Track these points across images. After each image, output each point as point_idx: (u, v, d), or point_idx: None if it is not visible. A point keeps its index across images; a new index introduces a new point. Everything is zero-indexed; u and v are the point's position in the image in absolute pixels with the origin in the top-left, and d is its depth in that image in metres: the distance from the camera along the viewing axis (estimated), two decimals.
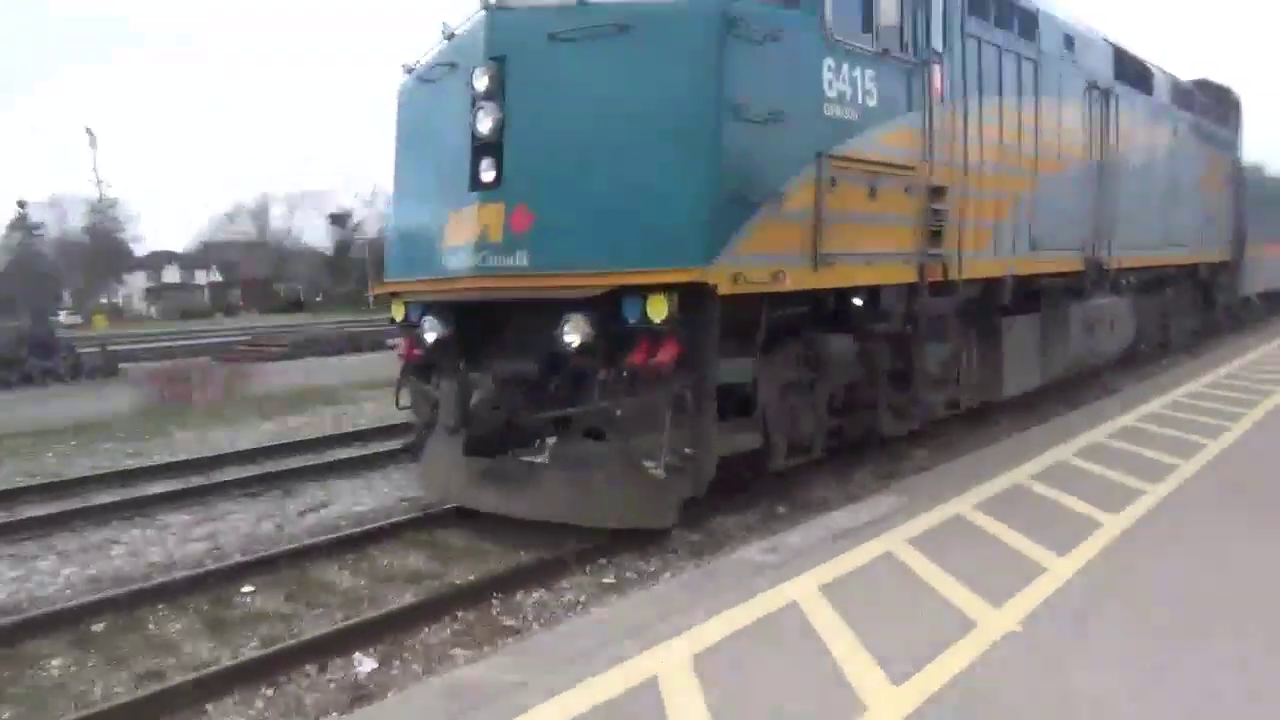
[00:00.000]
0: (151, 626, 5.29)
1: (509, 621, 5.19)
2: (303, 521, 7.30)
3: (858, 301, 6.98)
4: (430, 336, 6.54)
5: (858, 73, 6.57)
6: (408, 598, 5.47)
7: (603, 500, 5.85)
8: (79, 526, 7.29)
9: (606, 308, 5.66)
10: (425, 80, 6.82)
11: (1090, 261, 10.51)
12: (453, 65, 6.42)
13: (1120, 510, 5.73)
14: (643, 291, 5.52)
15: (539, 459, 6.26)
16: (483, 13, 6.09)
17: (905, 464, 8.25)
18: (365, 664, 4.57)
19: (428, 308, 6.65)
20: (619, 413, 5.71)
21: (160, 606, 5.47)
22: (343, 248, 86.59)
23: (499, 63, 5.91)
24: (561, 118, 5.87)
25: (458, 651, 4.80)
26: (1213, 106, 15.95)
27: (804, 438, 6.83)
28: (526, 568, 5.81)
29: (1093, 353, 11.11)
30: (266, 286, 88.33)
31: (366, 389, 15.61)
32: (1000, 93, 8.56)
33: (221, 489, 8.35)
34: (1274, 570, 4.74)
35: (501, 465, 6.30)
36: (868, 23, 6.59)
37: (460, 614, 5.20)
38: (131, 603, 5.44)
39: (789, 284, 5.95)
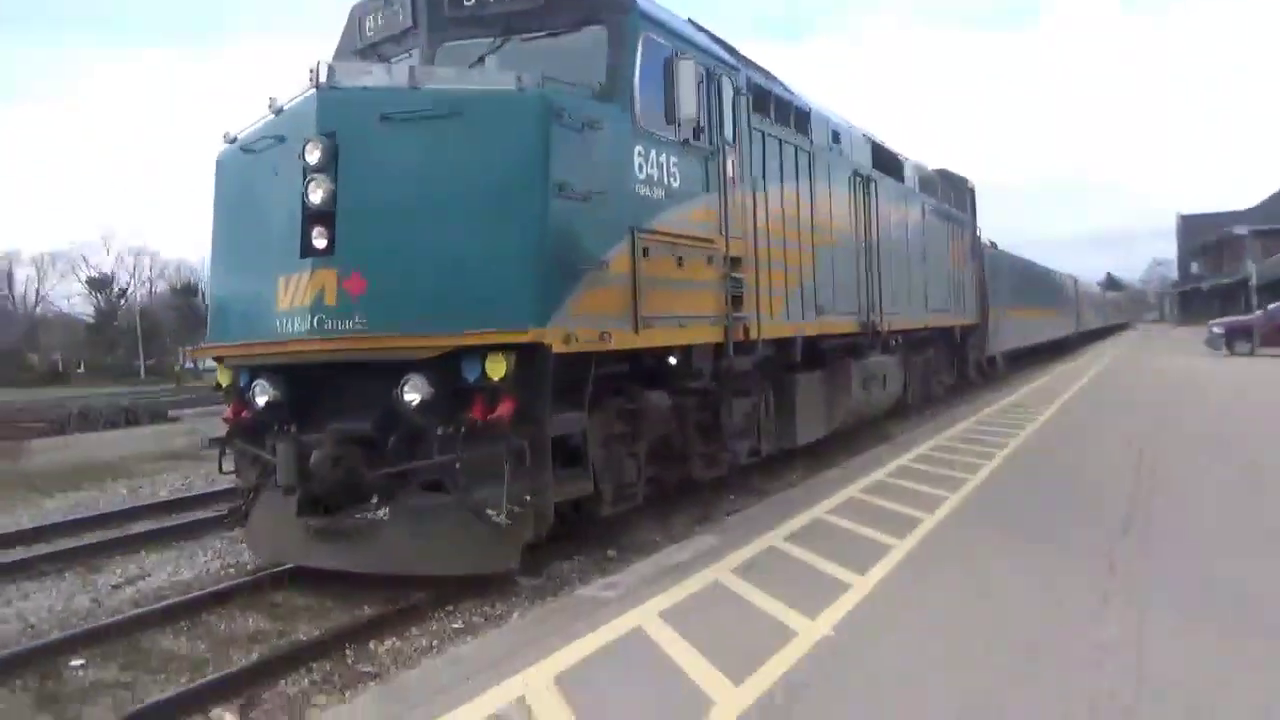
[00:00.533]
0: None
1: (366, 668, 5.31)
2: (120, 594, 7.01)
3: (672, 360, 7.70)
4: (261, 399, 6.60)
5: (663, 158, 7.39)
6: (254, 656, 5.47)
7: (446, 548, 6.12)
8: None
9: (444, 367, 6.02)
10: (249, 150, 6.97)
11: (865, 325, 11.91)
12: (280, 138, 6.64)
13: (905, 535, 6.65)
14: (481, 352, 5.93)
15: (377, 514, 6.42)
16: (313, 90, 6.38)
17: (716, 507, 9.00)
18: (225, 718, 4.59)
19: (255, 371, 6.73)
20: (458, 466, 6.04)
21: None
22: (106, 315, 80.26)
23: (330, 137, 6.21)
24: (394, 191, 6.23)
25: (321, 699, 4.90)
26: (952, 192, 18.41)
27: (627, 485, 7.39)
28: (373, 619, 5.95)
29: (869, 404, 12.50)
30: (17, 357, 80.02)
31: (159, 460, 14.83)
32: (782, 178, 9.73)
33: (12, 570, 7.78)
34: (1004, 561, 5.83)
35: (338, 523, 6.42)
36: (670, 115, 7.42)
37: (315, 664, 5.29)
38: None
39: (614, 343, 6.57)
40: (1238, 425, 12.82)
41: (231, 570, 7.53)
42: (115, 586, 7.24)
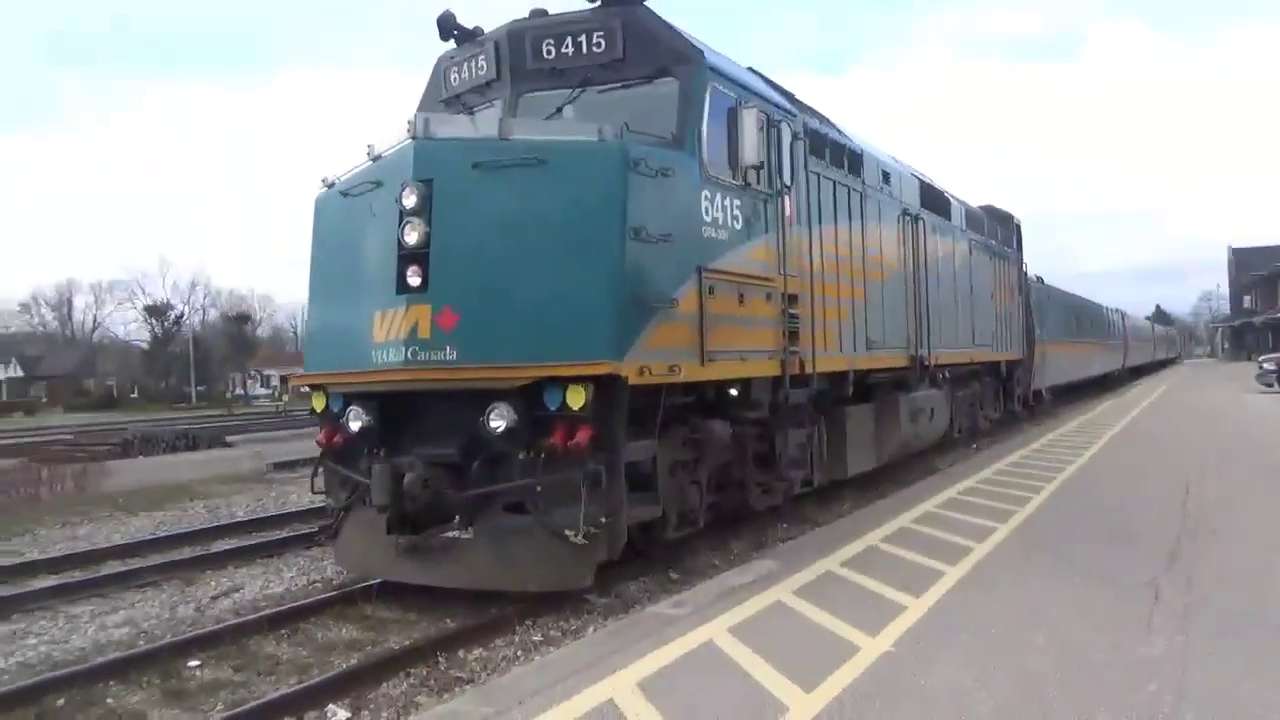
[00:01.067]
0: (110, 701, 5.50)
1: (458, 674, 5.73)
2: (220, 604, 7.56)
3: (734, 392, 8.11)
4: (355, 425, 7.13)
5: (727, 201, 7.86)
6: (354, 660, 5.95)
7: (526, 566, 6.57)
8: None
9: (526, 397, 6.50)
10: (347, 194, 7.56)
11: (913, 359, 12.23)
12: (377, 183, 7.21)
13: (956, 563, 6.99)
14: (562, 382, 6.41)
15: (461, 534, 6.89)
16: (410, 140, 6.95)
17: (771, 534, 9.37)
18: (339, 714, 5.06)
19: (349, 399, 7.27)
20: (539, 489, 6.50)
21: (112, 683, 5.68)
22: (163, 342, 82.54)
23: (426, 183, 6.76)
24: (483, 233, 6.75)
25: (421, 699, 5.33)
26: (998, 228, 18.69)
27: (690, 510, 7.80)
28: (459, 631, 6.39)
29: (917, 437, 12.77)
30: (74, 382, 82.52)
31: (229, 483, 15.50)
32: (835, 218, 10.16)
33: (115, 580, 8.38)
34: (1053, 588, 6.17)
35: (425, 541, 6.89)
36: (733, 161, 7.89)
37: (412, 670, 5.72)
38: (83, 680, 5.62)
39: (683, 376, 7.01)
40: None
41: (318, 584, 8.04)
42: (214, 597, 7.79)
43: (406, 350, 6.63)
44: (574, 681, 4.69)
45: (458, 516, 6.90)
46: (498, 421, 6.50)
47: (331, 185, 7.82)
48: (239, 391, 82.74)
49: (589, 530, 6.36)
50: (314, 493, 7.91)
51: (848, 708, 4.34)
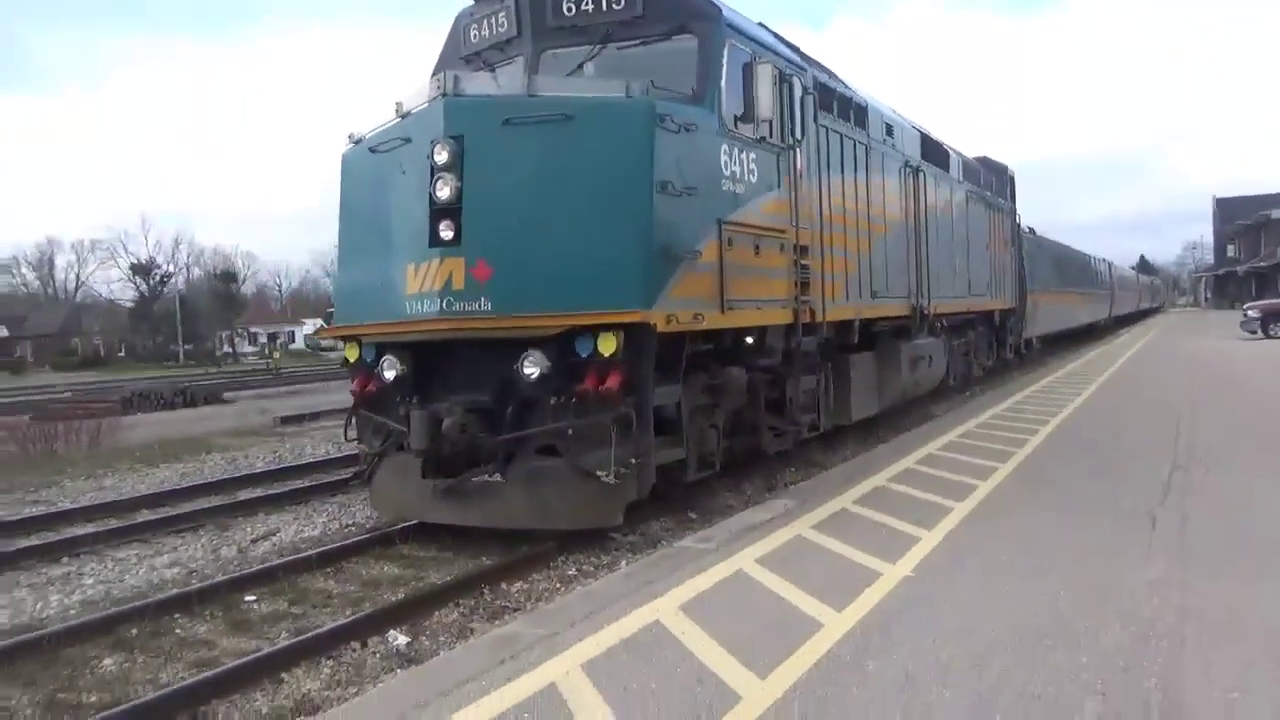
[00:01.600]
0: (179, 631, 5.86)
1: (505, 604, 6.11)
2: (261, 547, 7.91)
3: (750, 340, 8.44)
4: (389, 374, 7.43)
5: (744, 155, 8.12)
6: (401, 594, 6.32)
7: (559, 506, 6.92)
8: (30, 565, 7.56)
9: (559, 344, 6.81)
10: (376, 150, 7.76)
11: (914, 308, 12.58)
12: (407, 139, 7.41)
13: (963, 499, 7.38)
14: (593, 330, 6.71)
15: (494, 477, 7.23)
16: (440, 97, 7.14)
17: (781, 476, 9.77)
18: (400, 639, 5.43)
19: (381, 349, 7.55)
20: (571, 432, 6.84)
21: (177, 615, 6.04)
22: (149, 300, 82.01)
23: (457, 140, 6.97)
24: (514, 187, 6.99)
25: (475, 624, 5.72)
26: (993, 179, 18.95)
27: (709, 453, 8.16)
28: (499, 567, 6.76)
29: (916, 384, 13.18)
30: (60, 342, 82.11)
31: (241, 436, 15.80)
32: (843, 170, 10.43)
33: (153, 527, 8.70)
34: (1055, 520, 6.59)
35: (461, 484, 7.23)
36: (749, 115, 8.11)
37: (461, 601, 6.10)
38: (152, 613, 5.97)
39: (706, 324, 7.32)
40: (1270, 403, 13.35)
41: (351, 528, 8.39)
42: (253, 540, 8.14)
43: (441, 301, 6.90)
44: (619, 607, 5.04)
45: (492, 460, 7.22)
46: (531, 368, 6.81)
47: (359, 141, 8.02)
48: (227, 350, 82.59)
49: (619, 471, 6.71)
50: (347, 440, 8.22)
51: (877, 623, 4.73)
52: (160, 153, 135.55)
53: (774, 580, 5.41)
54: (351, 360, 7.89)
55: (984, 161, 19.03)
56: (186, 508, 9.56)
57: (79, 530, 8.69)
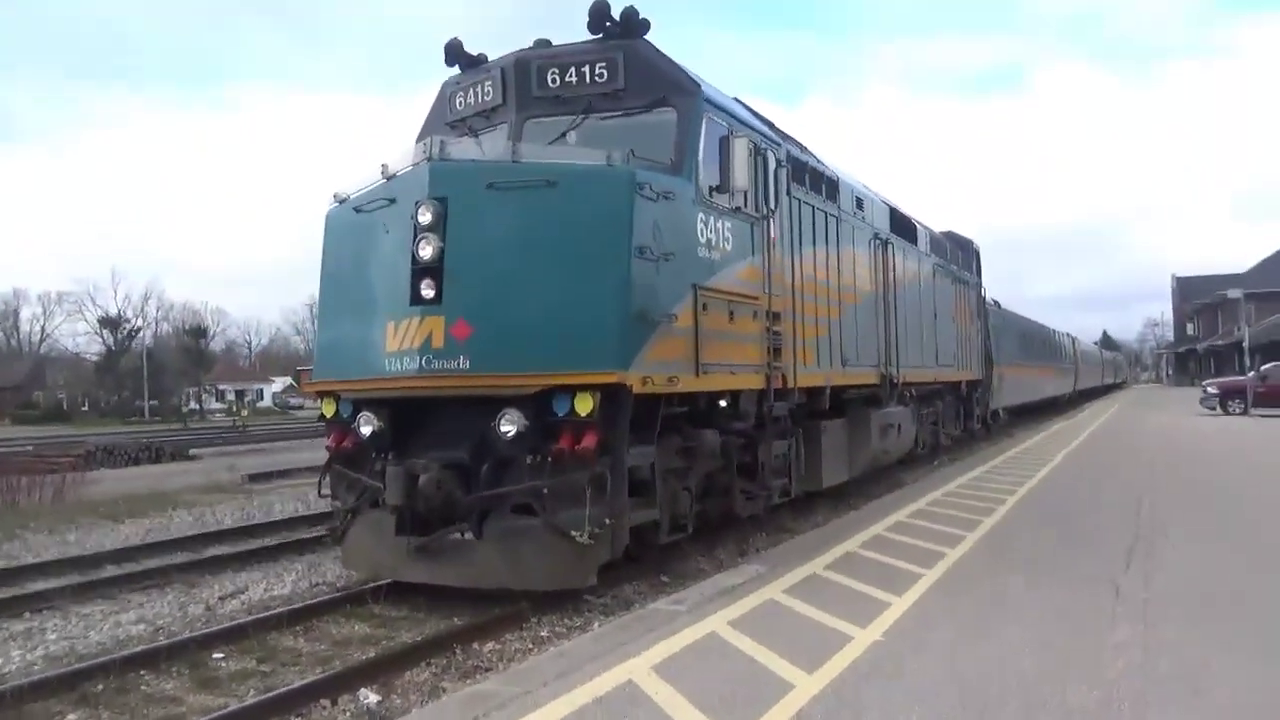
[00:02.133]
0: (145, 688, 5.76)
1: (477, 664, 6.06)
2: (230, 604, 7.80)
3: (723, 403, 8.58)
4: (366, 430, 7.46)
5: (719, 224, 8.36)
6: (372, 653, 6.26)
7: (534, 566, 6.93)
8: None
9: (536, 403, 6.90)
10: (360, 210, 7.91)
11: (883, 376, 12.82)
12: (392, 200, 7.57)
13: (932, 566, 7.47)
14: (570, 390, 6.82)
15: (468, 535, 7.23)
16: (426, 160, 7.33)
17: (753, 541, 9.82)
18: (370, 697, 5.36)
19: (359, 405, 7.60)
20: (546, 491, 6.89)
21: (143, 672, 5.93)
22: (115, 354, 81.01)
23: (441, 202, 7.14)
24: (495, 249, 7.15)
25: (445, 684, 5.65)
26: (960, 253, 19.49)
27: (681, 516, 8.22)
28: (470, 627, 6.71)
29: (886, 452, 13.35)
30: (22, 395, 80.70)
31: (209, 492, 15.61)
32: (814, 241, 10.72)
33: (118, 583, 8.58)
34: (1022, 586, 6.64)
35: (434, 542, 7.22)
36: (725, 186, 8.38)
37: (432, 660, 6.04)
38: (117, 669, 5.86)
39: (681, 386, 7.46)
40: (1229, 476, 13.69)
41: (321, 586, 8.29)
42: (221, 598, 8.02)
43: (421, 359, 6.99)
44: (592, 667, 5.04)
45: (467, 518, 7.23)
46: (508, 426, 6.88)
47: (343, 201, 8.18)
48: (194, 406, 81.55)
49: (593, 531, 6.75)
50: (320, 496, 8.19)
51: (848, 684, 4.78)
52: (133, 205, 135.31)
53: (746, 642, 5.44)
54: (329, 416, 7.92)
55: (950, 236, 19.59)
56: (153, 564, 9.44)
57: (42, 585, 8.52)
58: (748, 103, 9.96)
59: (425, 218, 7.09)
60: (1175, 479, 13.20)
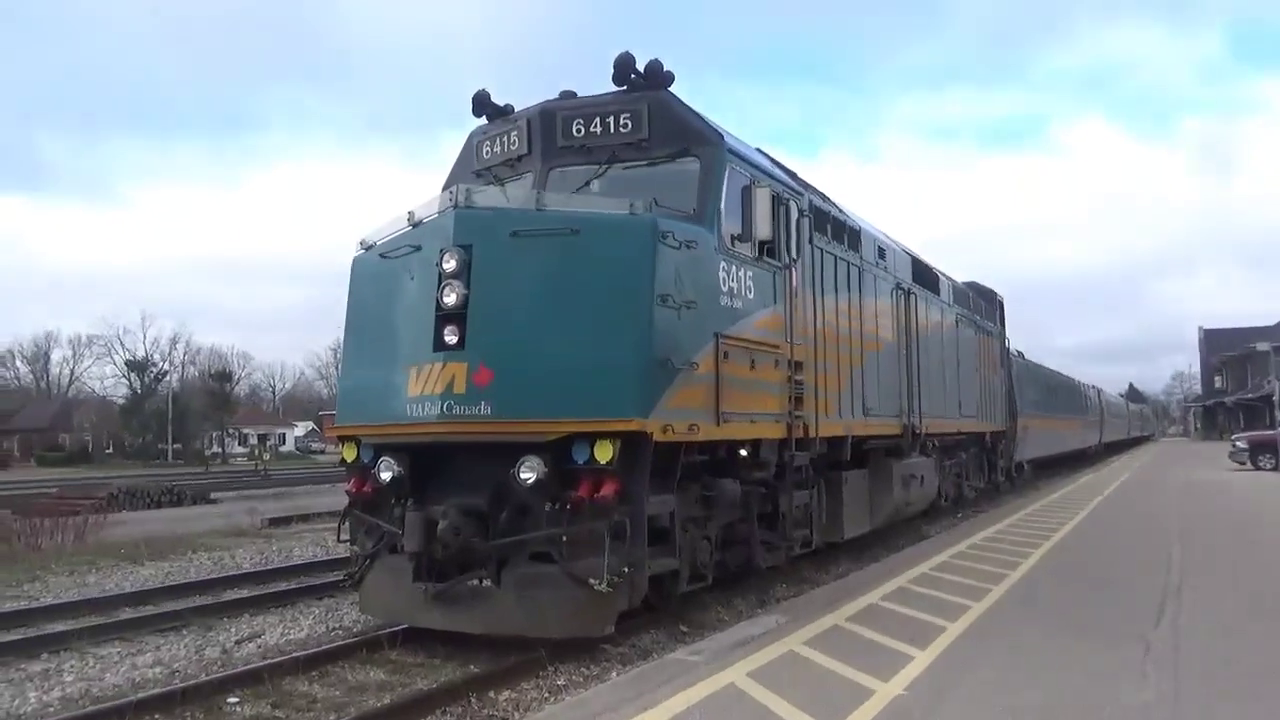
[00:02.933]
0: None
1: (492, 713, 6.00)
2: (246, 648, 7.78)
3: (744, 452, 8.53)
4: (386, 475, 7.46)
5: (741, 272, 8.40)
6: (387, 699, 6.21)
7: (551, 613, 6.87)
8: (9, 661, 7.41)
9: (556, 450, 6.90)
10: (386, 256, 8.01)
11: (905, 426, 12.72)
12: (418, 247, 7.67)
13: (956, 619, 7.34)
14: (590, 437, 6.81)
15: (486, 582, 7.19)
16: (452, 208, 7.43)
17: (773, 592, 9.73)
18: None
19: (380, 450, 7.62)
20: (565, 539, 6.85)
21: (158, 715, 5.91)
22: (142, 398, 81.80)
23: (465, 249, 7.23)
24: (518, 296, 7.21)
25: None
26: (983, 304, 19.44)
27: (701, 565, 8.14)
28: (486, 674, 6.65)
29: (908, 504, 13.19)
30: (49, 437, 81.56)
31: (228, 536, 15.63)
32: (836, 290, 10.74)
33: (136, 625, 8.58)
34: (1048, 642, 6.53)
35: (452, 588, 7.18)
36: (748, 235, 8.43)
37: (447, 709, 5.98)
38: (132, 713, 5.83)
39: (701, 435, 7.43)
40: (1260, 533, 13.37)
41: (338, 631, 8.27)
42: (238, 641, 8.02)
43: (442, 404, 7.01)
44: (609, 718, 4.96)
45: (484, 565, 7.19)
46: (528, 473, 6.87)
47: (370, 247, 8.29)
48: (216, 450, 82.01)
49: (611, 579, 6.69)
50: (339, 541, 8.19)
51: None
52: (164, 250, 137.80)
53: (765, 694, 5.35)
54: (349, 460, 7.95)
55: (973, 286, 19.55)
56: (170, 606, 9.42)
57: (60, 626, 8.53)
58: (769, 153, 10.08)
59: (450, 264, 7.17)
60: (1205, 534, 12.95)
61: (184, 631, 8.45)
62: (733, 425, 7.97)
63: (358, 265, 8.38)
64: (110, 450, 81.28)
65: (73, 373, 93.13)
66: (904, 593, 8.50)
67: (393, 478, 7.44)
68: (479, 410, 6.97)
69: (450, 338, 7.11)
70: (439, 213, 7.61)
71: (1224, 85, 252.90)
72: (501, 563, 7.13)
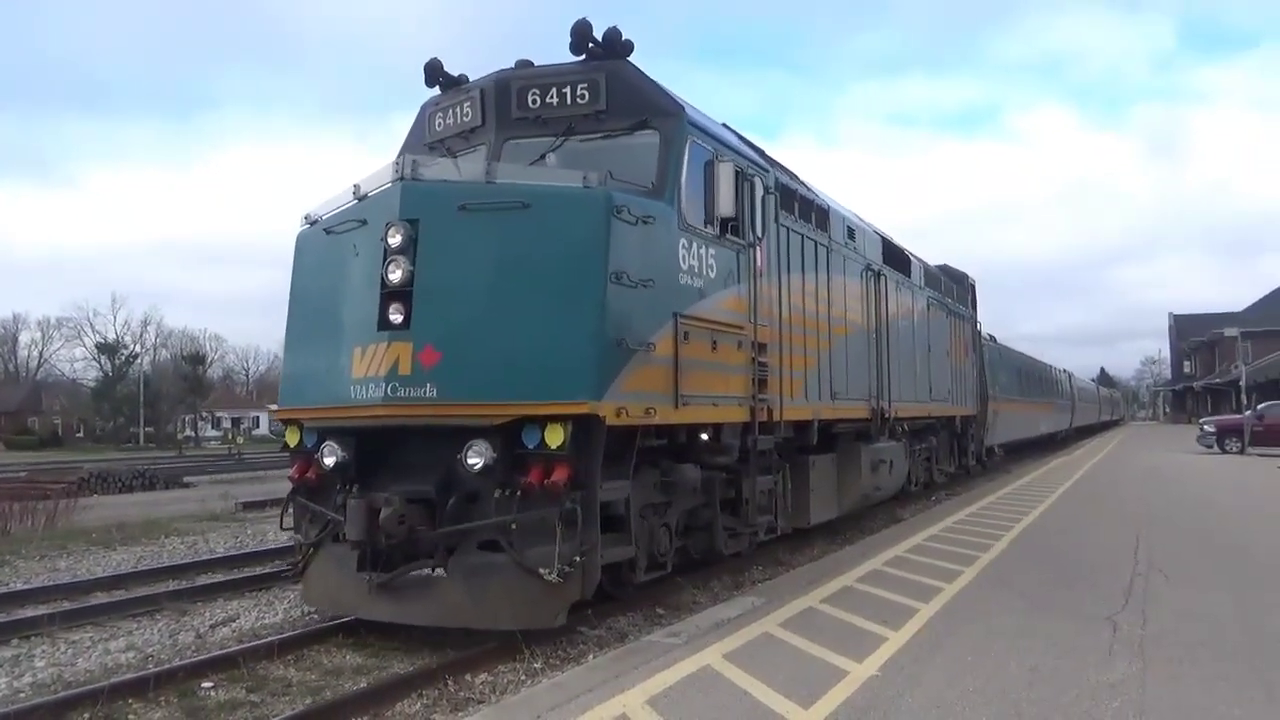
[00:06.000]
0: (132, 717, 5.64)
1: (469, 695, 5.88)
2: (220, 633, 7.62)
3: (704, 436, 8.26)
4: (329, 460, 7.12)
5: (703, 251, 8.10)
6: (363, 683, 6.11)
7: (500, 604, 6.58)
8: None
9: (504, 435, 6.59)
10: (331, 231, 7.64)
11: (874, 410, 12.51)
12: (363, 221, 7.30)
13: (929, 600, 7.32)
14: (541, 421, 6.51)
15: (436, 572, 6.89)
16: (398, 181, 7.07)
17: (748, 574, 9.65)
18: None
19: (324, 434, 7.28)
20: (514, 526, 6.56)
21: (131, 700, 5.79)
22: (112, 381, 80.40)
23: (412, 223, 6.87)
24: (467, 273, 6.87)
25: (437, 716, 5.53)
26: (954, 287, 19.26)
27: (659, 553, 7.88)
28: (463, 659, 6.49)
29: (877, 489, 13.00)
30: (17, 421, 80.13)
31: (202, 521, 15.37)
32: (803, 271, 10.46)
33: (108, 610, 8.35)
34: (1019, 622, 6.51)
35: (399, 578, 6.88)
36: (710, 213, 8.14)
37: (424, 692, 5.89)
38: (105, 698, 5.70)
39: (658, 418, 7.15)
40: (1226, 514, 13.49)
41: (313, 615, 8.02)
42: (212, 626, 7.86)
43: (387, 386, 6.68)
44: (586, 699, 4.92)
45: (431, 554, 6.90)
46: (475, 459, 6.57)
47: (314, 222, 7.91)
48: (189, 433, 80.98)
49: (563, 569, 6.41)
50: (283, 529, 7.86)
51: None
52: (134, 231, 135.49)
53: (741, 676, 5.31)
54: (292, 445, 7.61)
55: (945, 269, 19.38)
56: (143, 591, 9.25)
57: (30, 611, 8.32)
58: (736, 129, 9.77)
59: (395, 240, 6.82)
60: (1173, 516, 12.99)
61: (157, 616, 8.25)
62: (692, 409, 7.69)
63: (301, 241, 8.00)
64: (81, 434, 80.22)
65: (41, 355, 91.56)
66: (878, 575, 8.45)
67: (336, 463, 7.10)
68: (424, 393, 6.65)
69: (395, 317, 6.78)
70: (384, 186, 7.25)
71: (1174, 74, 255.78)
72: (450, 552, 6.84)
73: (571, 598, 6.63)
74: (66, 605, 8.53)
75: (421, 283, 6.78)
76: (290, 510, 7.72)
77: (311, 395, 7.40)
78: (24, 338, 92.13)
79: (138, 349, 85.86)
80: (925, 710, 4.73)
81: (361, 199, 7.46)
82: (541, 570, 6.42)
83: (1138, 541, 10.36)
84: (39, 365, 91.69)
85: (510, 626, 6.66)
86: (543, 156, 7.98)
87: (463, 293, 6.82)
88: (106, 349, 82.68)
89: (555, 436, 6.46)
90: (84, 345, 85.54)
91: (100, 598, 9.01)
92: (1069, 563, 9.16)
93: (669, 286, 7.53)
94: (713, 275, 8.24)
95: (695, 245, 7.98)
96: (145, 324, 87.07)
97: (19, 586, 9.68)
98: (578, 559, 6.52)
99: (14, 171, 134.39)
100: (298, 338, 7.87)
